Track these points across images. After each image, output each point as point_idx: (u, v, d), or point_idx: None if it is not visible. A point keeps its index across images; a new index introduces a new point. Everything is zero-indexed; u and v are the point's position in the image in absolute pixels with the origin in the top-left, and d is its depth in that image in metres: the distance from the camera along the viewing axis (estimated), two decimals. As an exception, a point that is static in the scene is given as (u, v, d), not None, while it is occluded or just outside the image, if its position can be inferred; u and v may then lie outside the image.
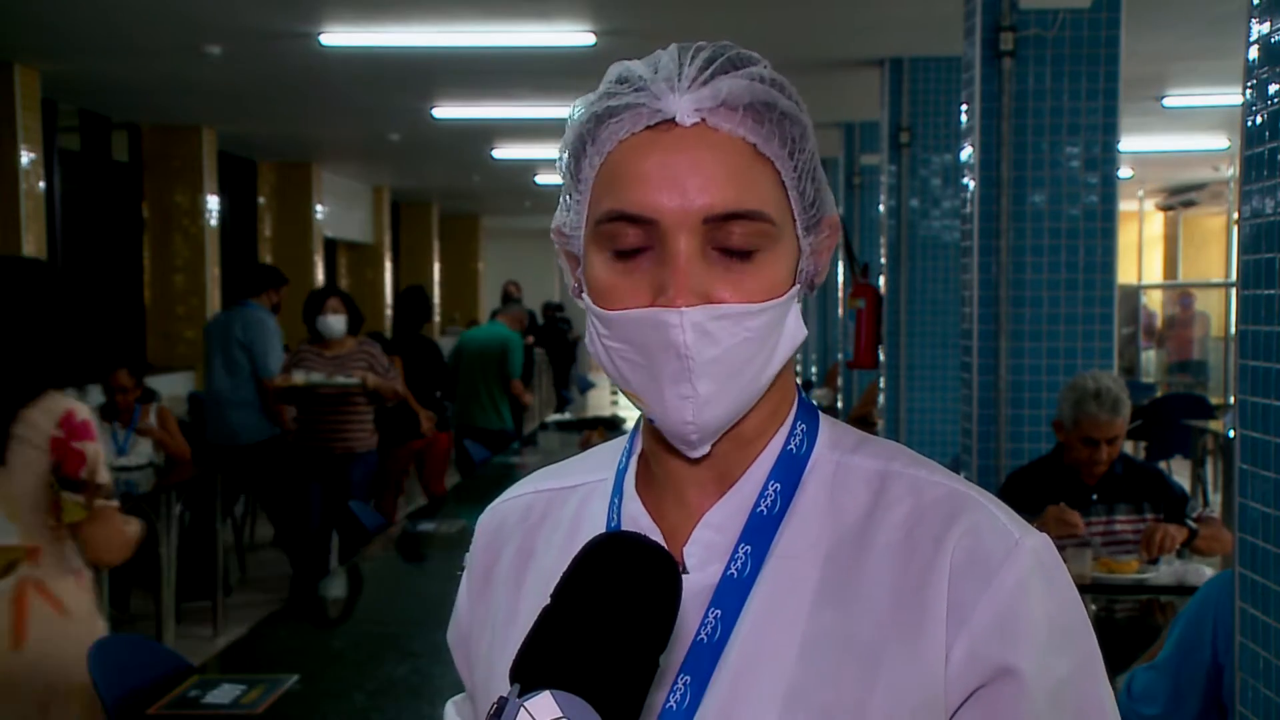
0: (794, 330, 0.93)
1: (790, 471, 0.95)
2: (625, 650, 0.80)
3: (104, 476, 2.80)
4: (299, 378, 6.17)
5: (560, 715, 0.77)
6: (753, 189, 0.89)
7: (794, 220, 0.93)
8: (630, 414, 8.24)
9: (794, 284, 0.93)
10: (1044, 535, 0.93)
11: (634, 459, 1.01)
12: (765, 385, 0.93)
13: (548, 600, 0.83)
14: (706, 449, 0.93)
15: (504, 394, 8.00)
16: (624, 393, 0.94)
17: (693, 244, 0.88)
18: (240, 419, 6.63)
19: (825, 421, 1.00)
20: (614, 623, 0.80)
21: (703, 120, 0.89)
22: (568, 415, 9.05)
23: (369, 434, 6.39)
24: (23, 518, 2.71)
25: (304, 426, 6.34)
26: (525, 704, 0.77)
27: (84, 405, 2.83)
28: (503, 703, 0.79)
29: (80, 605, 2.80)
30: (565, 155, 0.95)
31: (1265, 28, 2.04)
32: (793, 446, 0.96)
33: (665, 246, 0.88)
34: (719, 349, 0.88)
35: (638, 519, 0.97)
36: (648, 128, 0.90)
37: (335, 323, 6.24)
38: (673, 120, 0.90)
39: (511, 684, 0.80)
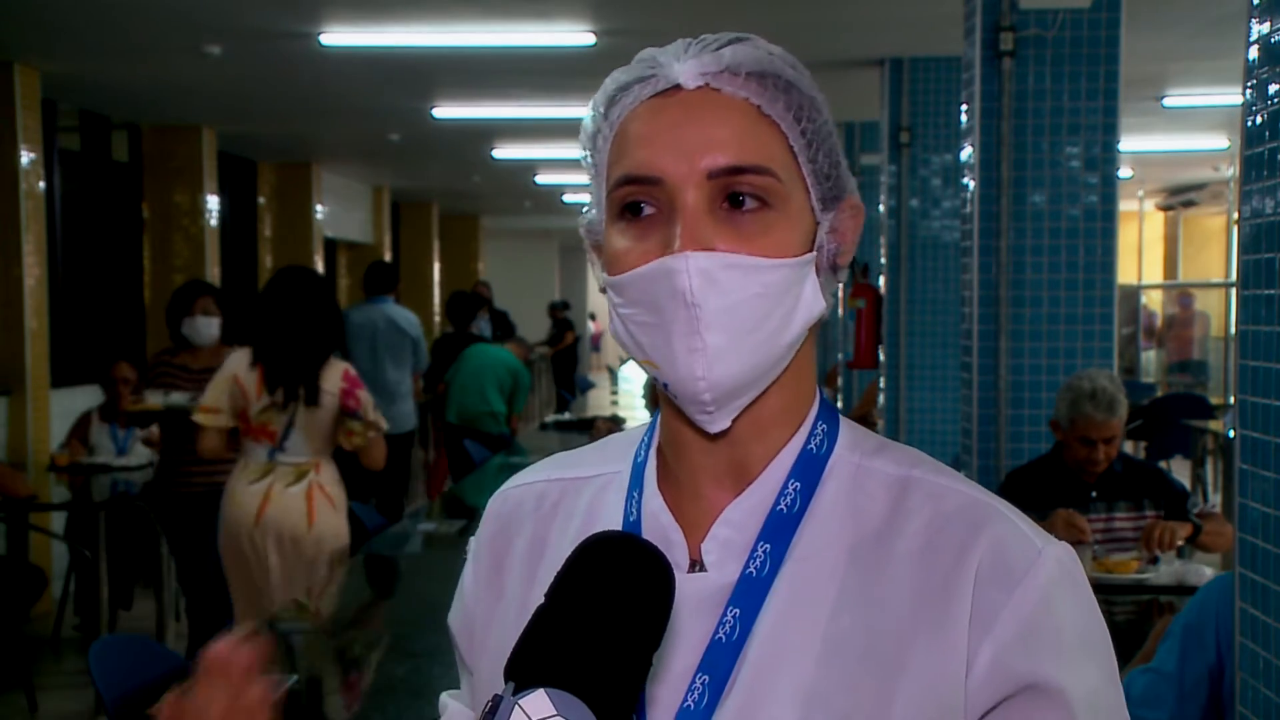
0: (811, 300, 0.93)
1: (810, 471, 0.95)
2: (619, 648, 0.80)
3: (373, 415, 4.21)
4: (154, 400, 4.99)
5: (554, 713, 0.77)
6: (756, 146, 0.90)
7: (807, 190, 0.93)
8: (630, 414, 8.24)
9: (809, 250, 0.93)
10: (1065, 544, 0.92)
11: (653, 452, 1.00)
12: (782, 353, 0.92)
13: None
14: (726, 422, 0.92)
15: (505, 408, 8.04)
16: (640, 365, 0.93)
17: (699, 200, 0.89)
18: (403, 409, 7.19)
19: (845, 424, 0.99)
20: (607, 621, 0.80)
21: (706, 85, 0.91)
22: (568, 415, 9.05)
23: None
24: (313, 443, 4.16)
25: (162, 458, 5.23)
26: (519, 702, 0.78)
27: (350, 365, 4.29)
28: (497, 700, 0.79)
29: (341, 502, 4.25)
30: (584, 141, 0.96)
31: (1265, 28, 2.04)
32: (813, 446, 0.96)
33: (673, 205, 0.89)
34: (728, 299, 0.88)
35: (658, 515, 0.96)
36: (654, 95, 0.92)
37: (206, 326, 5.09)
38: (678, 86, 0.91)
39: (506, 682, 0.80)
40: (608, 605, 0.81)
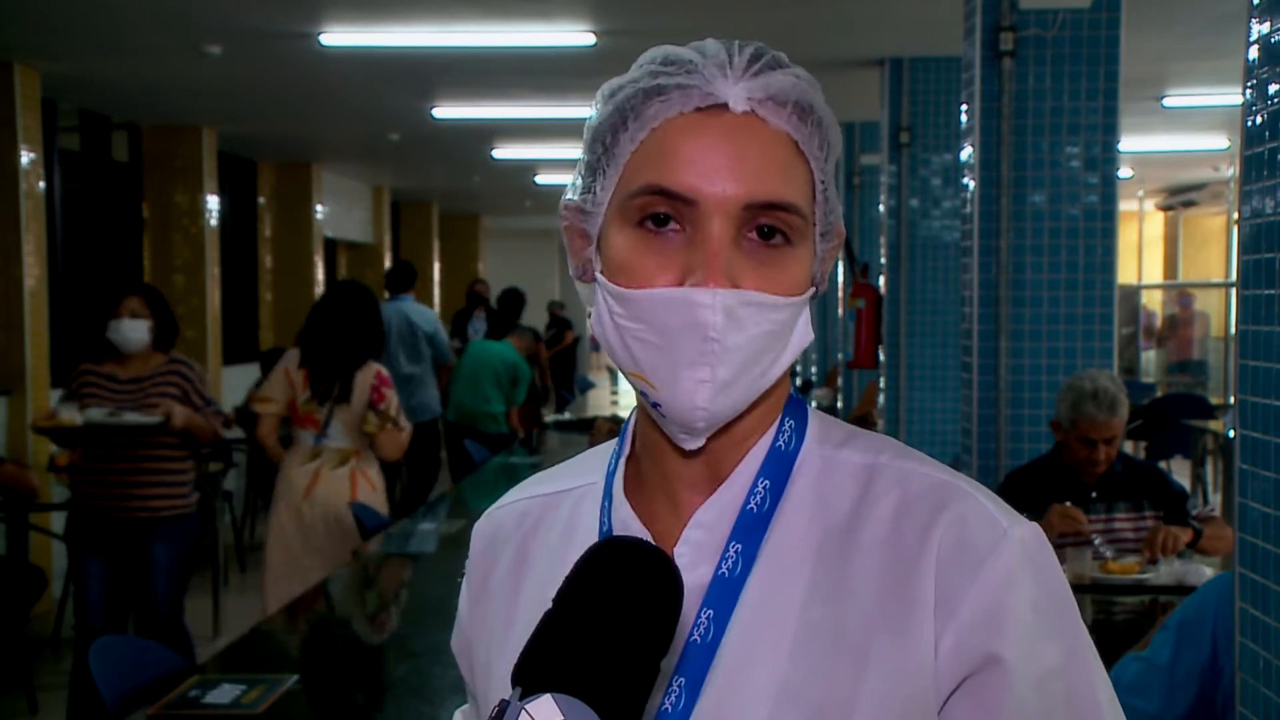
0: (803, 333, 0.93)
1: (779, 468, 0.95)
2: (627, 654, 0.80)
3: (394, 410, 4.77)
4: (68, 416, 4.37)
5: (561, 718, 0.77)
6: (790, 182, 0.90)
7: (815, 223, 0.94)
8: (625, 414, 8.24)
9: (811, 285, 0.94)
10: (1033, 524, 0.92)
11: (622, 461, 1.00)
12: (771, 382, 0.93)
13: (547, 605, 0.83)
14: (703, 441, 0.93)
15: (496, 406, 8.02)
16: (626, 375, 0.93)
17: (728, 229, 0.89)
18: (421, 400, 7.66)
19: (814, 417, 0.99)
20: (616, 627, 0.80)
21: (752, 110, 0.90)
22: (568, 415, 9.05)
23: (183, 491, 4.62)
24: (351, 433, 4.76)
25: (84, 480, 4.61)
26: (526, 707, 0.77)
27: (383, 367, 4.87)
28: (504, 705, 0.79)
29: (378, 484, 4.90)
30: (600, 129, 0.94)
31: (1265, 28, 2.04)
32: (781, 443, 0.96)
33: (700, 229, 0.89)
34: (743, 335, 0.88)
35: (628, 523, 0.97)
36: (697, 109, 0.91)
37: (133, 330, 4.47)
38: (723, 106, 0.90)
39: (513, 687, 0.80)
40: (616, 610, 0.81)
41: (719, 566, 0.92)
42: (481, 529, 1.09)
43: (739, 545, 0.93)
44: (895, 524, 0.91)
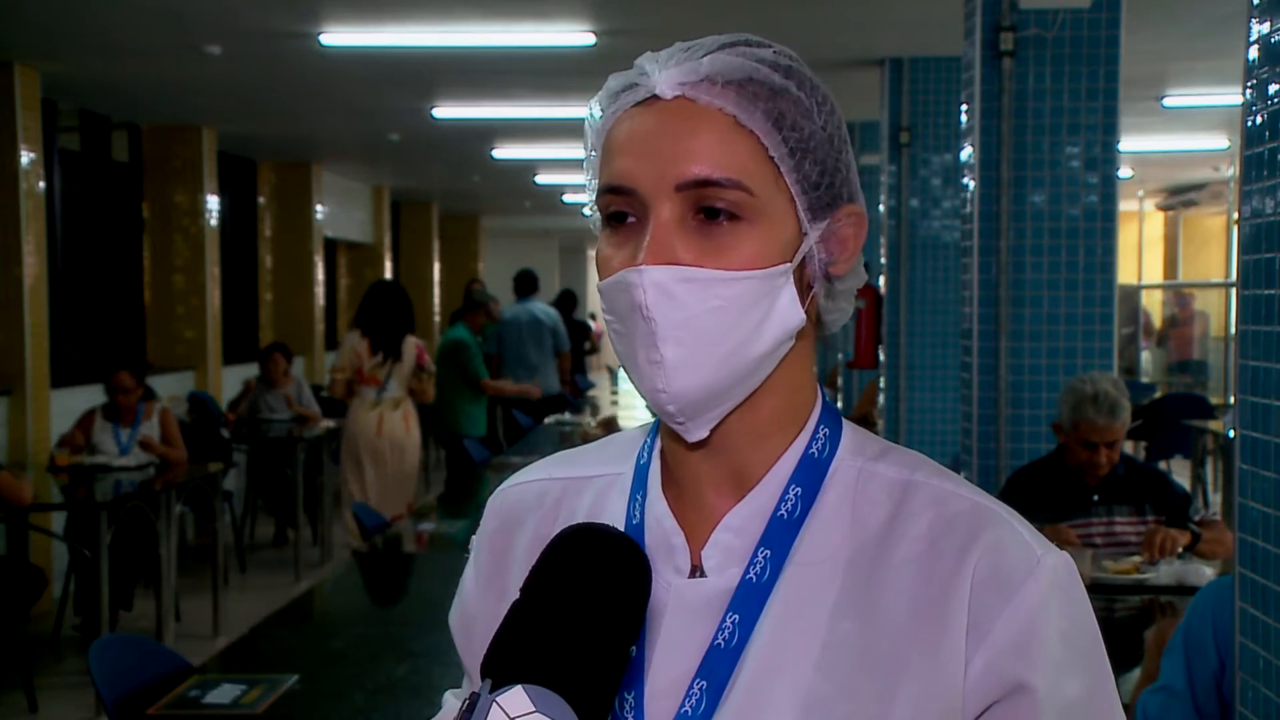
0: (786, 312, 0.91)
1: (812, 476, 0.94)
2: (596, 642, 0.80)
3: (432, 368, 7.13)
4: None
5: (533, 709, 0.77)
6: (728, 158, 0.88)
7: (792, 200, 0.91)
8: (629, 414, 8.23)
9: (784, 261, 0.91)
10: (1064, 554, 0.92)
11: (656, 454, 0.99)
12: (752, 365, 0.90)
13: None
14: (703, 433, 0.91)
15: (461, 399, 7.92)
16: (625, 370, 0.94)
17: (671, 212, 0.88)
18: (546, 379, 9.27)
19: (848, 427, 0.98)
20: (584, 615, 0.80)
21: (683, 95, 0.90)
22: (567, 415, 9.04)
23: None
24: (400, 386, 6.90)
25: None
26: (497, 699, 0.77)
27: (419, 341, 7.10)
28: (475, 698, 0.78)
29: (416, 417, 7.11)
30: (585, 145, 0.97)
31: (1265, 28, 2.04)
32: (814, 450, 0.95)
33: (647, 215, 0.89)
34: (685, 313, 0.87)
35: (662, 519, 0.95)
36: (635, 105, 0.92)
37: None
38: (656, 97, 0.91)
39: (483, 679, 0.80)
40: (583, 598, 0.81)
41: (746, 571, 0.91)
42: (495, 505, 1.07)
43: (768, 551, 0.91)
44: (930, 543, 0.90)
